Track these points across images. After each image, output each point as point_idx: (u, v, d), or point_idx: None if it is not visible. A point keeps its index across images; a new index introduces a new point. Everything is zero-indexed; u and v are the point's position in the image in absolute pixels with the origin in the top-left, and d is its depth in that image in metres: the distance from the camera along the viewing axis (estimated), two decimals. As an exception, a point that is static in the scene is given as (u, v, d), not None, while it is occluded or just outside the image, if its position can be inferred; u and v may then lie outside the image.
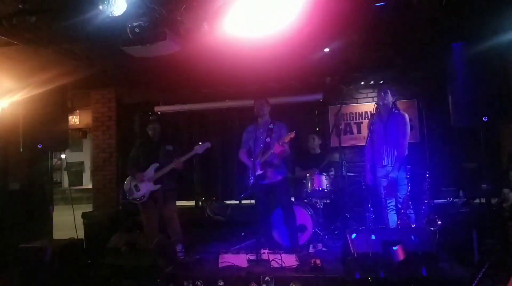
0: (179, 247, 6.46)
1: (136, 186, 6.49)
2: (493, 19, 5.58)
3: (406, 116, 5.96)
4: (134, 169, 6.57)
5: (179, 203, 6.93)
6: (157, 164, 6.47)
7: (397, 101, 6.12)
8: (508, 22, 5.43)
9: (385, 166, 5.89)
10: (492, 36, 5.20)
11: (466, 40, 5.28)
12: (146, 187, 6.44)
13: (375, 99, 6.29)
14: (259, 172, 5.95)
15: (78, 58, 6.62)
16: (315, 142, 7.62)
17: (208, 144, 6.46)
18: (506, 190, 5.90)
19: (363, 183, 6.91)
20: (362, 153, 5.97)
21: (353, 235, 4.72)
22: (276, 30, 5.57)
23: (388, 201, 6.01)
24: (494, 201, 5.63)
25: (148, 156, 6.59)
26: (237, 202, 8.25)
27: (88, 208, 8.78)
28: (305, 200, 7.07)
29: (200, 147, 6.42)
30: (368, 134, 5.92)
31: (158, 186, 6.44)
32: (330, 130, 6.73)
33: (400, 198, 5.84)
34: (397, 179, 5.78)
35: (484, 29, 5.58)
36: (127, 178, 6.65)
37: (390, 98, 5.99)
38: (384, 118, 6.00)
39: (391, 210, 5.98)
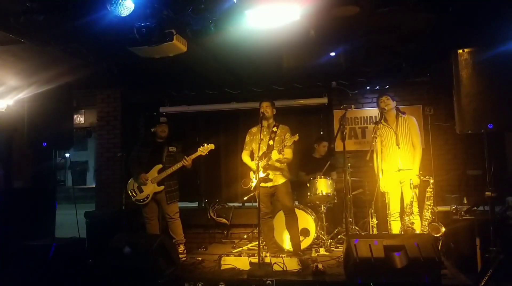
0: (181, 249, 6.50)
1: (139, 187, 6.53)
2: (500, 26, 5.57)
3: (413, 118, 6.08)
4: (137, 170, 6.61)
5: (182, 204, 6.94)
6: (161, 165, 6.51)
7: (402, 106, 6.16)
8: (515, 29, 5.43)
9: (400, 170, 5.90)
10: (499, 42, 5.18)
11: (472, 46, 5.26)
12: (149, 189, 6.48)
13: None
14: (261, 174, 5.94)
15: (84, 58, 6.63)
16: (325, 148, 7.66)
17: (211, 146, 6.52)
18: (510, 198, 5.87)
19: (366, 188, 6.93)
20: (367, 159, 5.95)
21: (356, 240, 4.71)
22: (282, 33, 5.59)
23: (393, 209, 6.01)
24: (498, 208, 5.60)
25: (152, 157, 6.65)
26: (240, 204, 8.26)
27: (91, 207, 8.79)
28: (308, 204, 7.08)
29: (204, 149, 6.48)
30: (374, 140, 5.91)
31: (162, 187, 6.48)
32: (335, 135, 6.72)
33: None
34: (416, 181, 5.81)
35: (490, 35, 5.57)
36: (130, 179, 6.67)
37: (391, 105, 6.03)
38: (391, 123, 6.02)
39: (395, 217, 5.98)
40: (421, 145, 5.92)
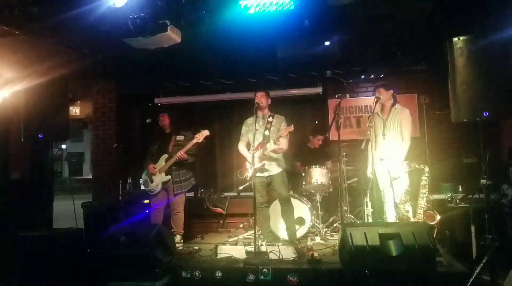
0: (178, 238, 6.54)
1: (150, 177, 6.64)
2: (495, 14, 5.58)
3: (407, 111, 6.00)
4: (148, 161, 6.74)
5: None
6: (166, 155, 6.54)
7: (397, 95, 6.14)
8: (510, 16, 5.44)
9: (382, 160, 5.92)
10: (494, 30, 5.19)
11: (467, 35, 5.27)
12: (158, 178, 6.57)
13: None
14: (257, 164, 5.97)
15: (79, 49, 6.64)
16: (319, 142, 7.68)
17: (206, 132, 6.45)
18: (505, 186, 5.92)
19: (361, 177, 6.95)
20: (362, 148, 5.98)
21: (351, 228, 4.74)
22: (277, 22, 5.60)
23: (386, 196, 6.05)
24: (493, 196, 5.65)
25: (160, 148, 6.75)
26: (236, 194, 8.28)
27: (88, 198, 8.82)
28: (304, 193, 7.12)
29: (199, 135, 6.43)
30: (370, 129, 5.93)
31: (168, 177, 6.53)
32: (330, 124, 6.75)
33: (398, 192, 5.87)
34: (397, 173, 5.82)
35: (486, 23, 5.59)
36: (144, 171, 6.80)
37: (385, 95, 6.01)
38: (384, 113, 6.03)
39: (389, 204, 6.01)
40: (409, 138, 5.84)
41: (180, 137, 6.73)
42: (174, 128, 6.82)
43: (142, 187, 6.88)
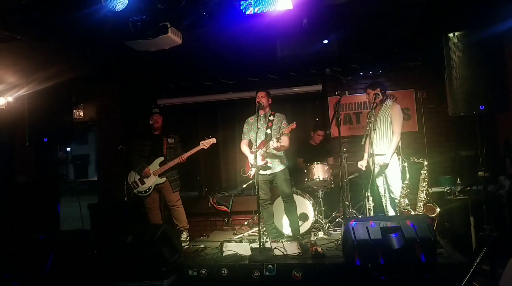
0: (184, 236, 6.61)
1: (140, 179, 6.65)
2: (490, 8, 5.63)
3: (397, 106, 6.07)
4: (141, 163, 6.70)
5: (183, 193, 7.04)
6: (162, 158, 6.60)
7: (395, 91, 6.19)
8: (505, 11, 5.49)
9: (376, 154, 5.98)
10: (489, 25, 5.25)
11: (462, 30, 5.33)
12: (151, 181, 6.59)
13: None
14: (260, 162, 6.02)
15: (81, 52, 6.68)
16: (320, 137, 7.74)
17: (213, 140, 6.56)
18: (502, 177, 5.97)
19: (362, 172, 7.02)
20: (362, 143, 6.06)
21: (353, 223, 4.78)
22: (276, 22, 5.65)
23: (385, 190, 6.12)
24: (490, 188, 5.71)
25: (153, 150, 6.74)
26: (240, 192, 8.36)
27: (94, 199, 8.87)
28: (306, 189, 7.18)
29: (206, 143, 6.51)
30: (369, 125, 6.00)
31: (163, 179, 6.59)
32: (330, 121, 6.81)
33: (391, 186, 5.94)
34: (389, 166, 5.89)
35: (480, 19, 5.64)
36: (131, 171, 6.79)
37: (372, 93, 6.08)
38: (376, 109, 6.09)
39: (388, 198, 6.08)
40: (399, 133, 5.89)
41: (171, 140, 6.80)
42: (163, 131, 6.86)
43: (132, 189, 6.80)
